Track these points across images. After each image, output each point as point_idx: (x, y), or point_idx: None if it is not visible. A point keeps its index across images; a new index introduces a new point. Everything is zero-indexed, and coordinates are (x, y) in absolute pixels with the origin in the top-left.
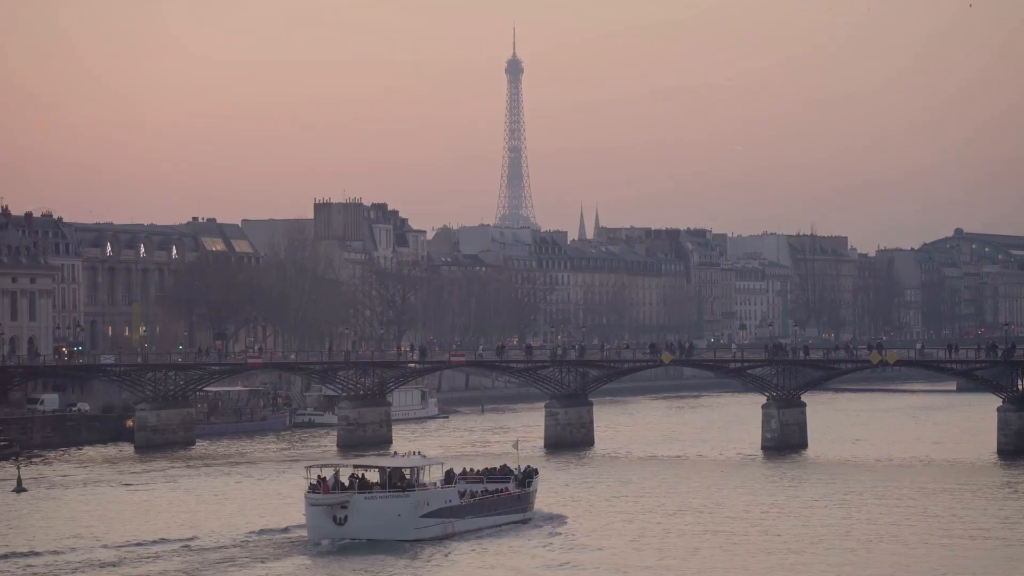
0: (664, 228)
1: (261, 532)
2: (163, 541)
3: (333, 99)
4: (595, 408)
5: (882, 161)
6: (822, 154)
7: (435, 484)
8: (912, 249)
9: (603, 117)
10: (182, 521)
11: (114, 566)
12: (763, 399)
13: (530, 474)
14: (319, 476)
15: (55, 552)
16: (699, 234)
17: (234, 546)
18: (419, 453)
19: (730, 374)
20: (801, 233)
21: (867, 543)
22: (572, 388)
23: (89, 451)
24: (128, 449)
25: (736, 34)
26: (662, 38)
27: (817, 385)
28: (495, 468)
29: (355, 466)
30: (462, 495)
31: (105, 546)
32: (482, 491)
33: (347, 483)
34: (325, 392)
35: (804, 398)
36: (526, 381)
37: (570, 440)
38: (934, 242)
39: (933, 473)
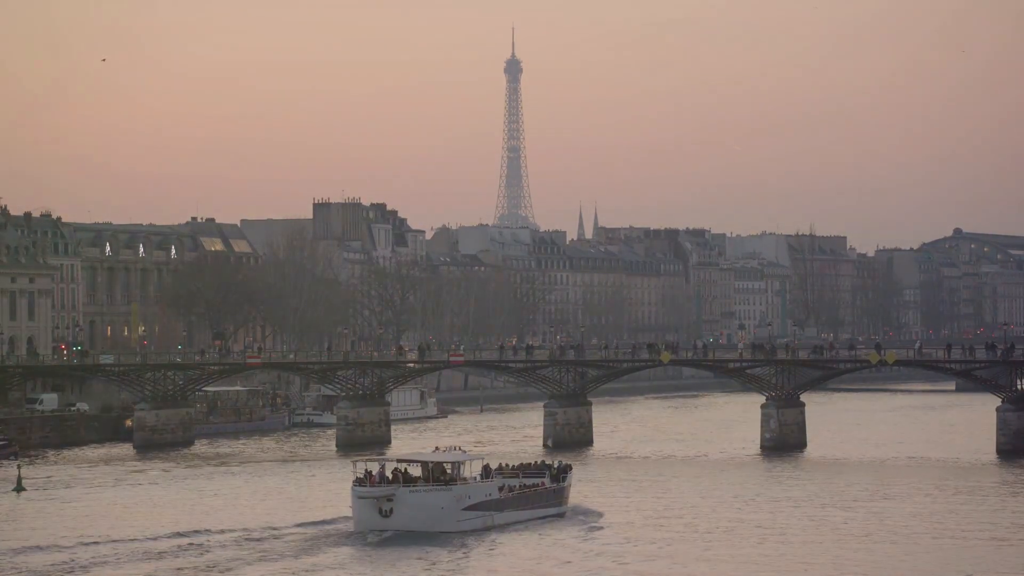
0: (663, 228)
1: (303, 524)
2: (200, 532)
3: (332, 99)
4: (594, 408)
5: (881, 161)
6: (821, 154)
7: (475, 478)
8: (911, 249)
9: (602, 117)
10: (214, 516)
11: (124, 563)
12: (762, 399)
13: (564, 470)
14: (365, 470)
15: (55, 551)
16: (698, 234)
17: (278, 538)
18: (459, 448)
19: (729, 374)
20: (800, 233)
21: (867, 543)
22: (571, 388)
23: (88, 451)
24: (127, 449)
25: (735, 34)
26: (661, 38)
27: (816, 385)
28: (530, 463)
29: (398, 460)
30: (500, 489)
31: (120, 541)
32: (520, 486)
33: (391, 477)
34: (324, 392)
35: (803, 398)
36: (525, 381)
37: (569, 440)
38: (933, 242)
39: (932, 473)
